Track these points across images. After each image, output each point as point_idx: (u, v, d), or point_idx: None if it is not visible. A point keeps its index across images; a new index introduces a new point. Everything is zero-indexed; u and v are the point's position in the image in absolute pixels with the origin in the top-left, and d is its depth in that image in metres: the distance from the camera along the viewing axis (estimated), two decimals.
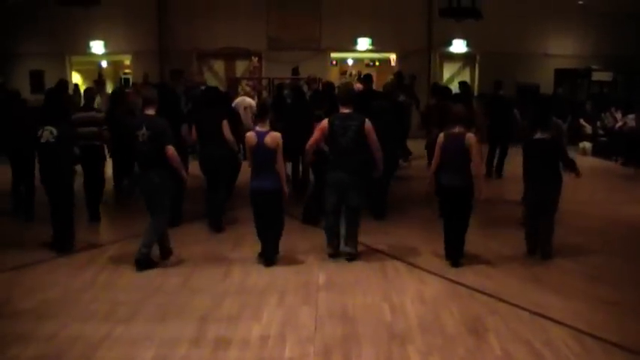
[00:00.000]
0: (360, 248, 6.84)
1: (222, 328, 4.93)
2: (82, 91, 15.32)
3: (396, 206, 9.00)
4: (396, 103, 10.43)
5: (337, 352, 4.55)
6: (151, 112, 6.41)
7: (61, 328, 4.93)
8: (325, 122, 6.59)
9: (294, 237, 7.33)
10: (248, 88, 13.61)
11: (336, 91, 8.74)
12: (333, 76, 18.90)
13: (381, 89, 12.49)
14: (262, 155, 6.28)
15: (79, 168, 8.13)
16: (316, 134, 6.67)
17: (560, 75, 17.95)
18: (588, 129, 15.37)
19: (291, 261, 6.64)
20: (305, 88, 12.20)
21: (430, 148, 9.02)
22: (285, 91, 11.92)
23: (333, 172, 6.58)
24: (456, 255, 6.50)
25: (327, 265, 6.54)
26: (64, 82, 12.91)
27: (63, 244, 6.94)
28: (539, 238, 6.76)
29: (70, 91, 15.37)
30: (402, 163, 11.52)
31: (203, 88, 10.63)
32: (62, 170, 6.94)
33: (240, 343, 4.69)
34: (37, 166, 7.30)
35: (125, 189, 9.60)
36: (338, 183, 6.53)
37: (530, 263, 6.62)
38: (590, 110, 15.95)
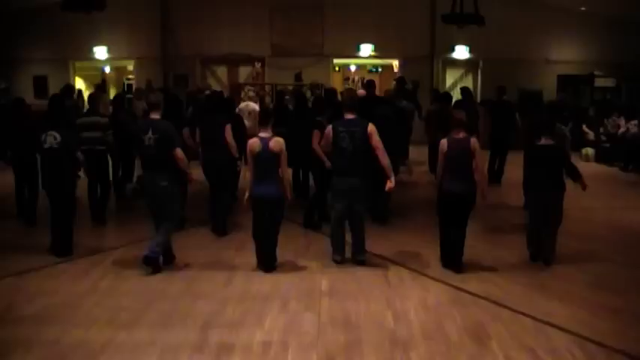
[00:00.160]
0: None
1: (225, 334, 4.93)
2: (85, 96, 15.37)
3: (397, 211, 8.98)
4: (398, 109, 10.42)
5: (340, 359, 4.53)
6: (156, 116, 6.44)
7: (63, 333, 4.92)
8: (329, 128, 6.59)
9: (296, 243, 7.33)
10: (252, 94, 13.63)
11: (339, 97, 8.75)
12: (336, 83, 18.92)
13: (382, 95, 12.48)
14: (266, 161, 6.26)
15: (82, 173, 8.14)
16: (317, 137, 6.63)
17: (563, 81, 17.96)
18: (591, 135, 15.36)
19: (294, 267, 6.64)
20: (308, 94, 12.21)
21: (431, 150, 8.96)
22: (287, 97, 11.94)
23: (341, 178, 6.53)
24: (457, 262, 6.47)
25: (330, 271, 6.53)
26: (70, 87, 12.89)
27: (61, 249, 6.94)
28: (542, 246, 6.73)
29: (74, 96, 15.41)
30: (402, 168, 11.49)
31: (208, 92, 10.65)
32: (64, 175, 6.96)
33: (243, 349, 4.68)
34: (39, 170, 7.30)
35: (130, 192, 9.60)
36: (347, 189, 6.49)
37: (534, 270, 6.60)
38: (593, 116, 15.93)
